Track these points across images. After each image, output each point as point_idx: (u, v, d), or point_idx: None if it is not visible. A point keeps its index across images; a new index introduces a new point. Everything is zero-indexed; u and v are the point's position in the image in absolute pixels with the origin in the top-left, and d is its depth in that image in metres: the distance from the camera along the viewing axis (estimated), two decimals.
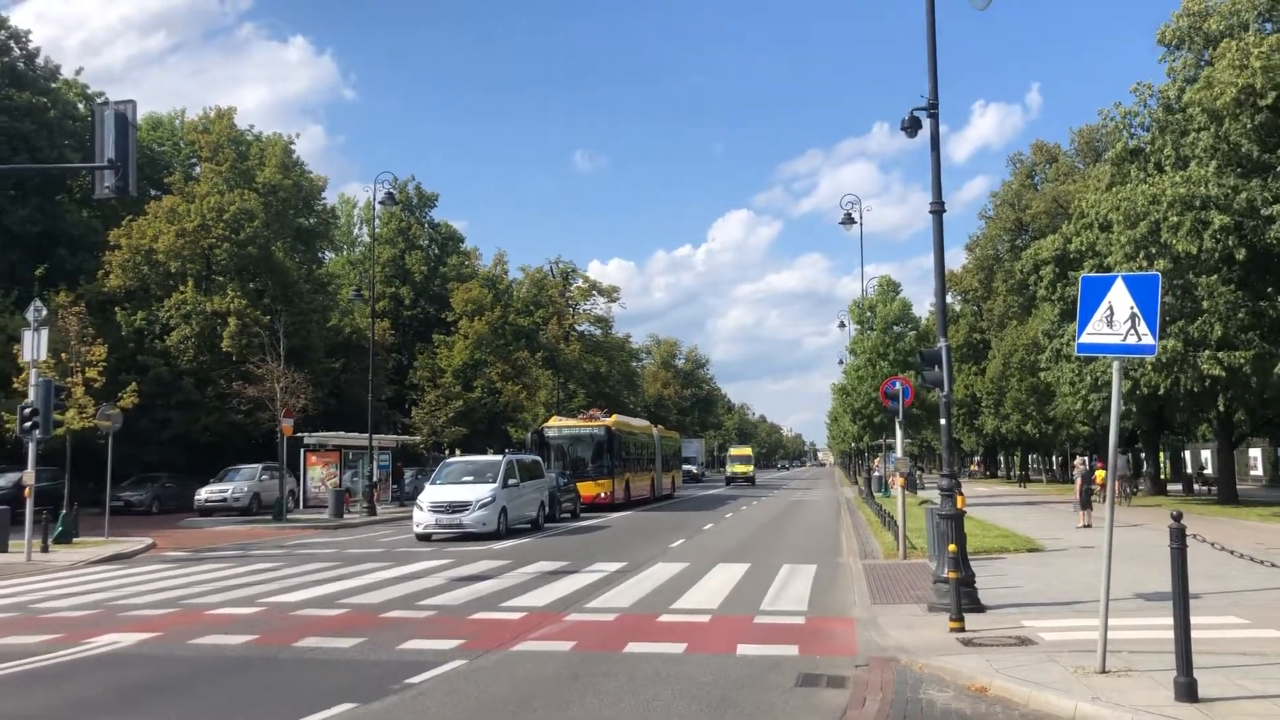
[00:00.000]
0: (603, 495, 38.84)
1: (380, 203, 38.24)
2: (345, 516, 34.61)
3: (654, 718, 8.03)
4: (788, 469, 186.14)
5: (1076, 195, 44.89)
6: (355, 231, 74.35)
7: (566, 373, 76.75)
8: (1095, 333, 9.26)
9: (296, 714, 8.07)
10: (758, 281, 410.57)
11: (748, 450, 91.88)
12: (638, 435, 46.83)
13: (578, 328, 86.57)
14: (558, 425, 42.22)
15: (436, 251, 74.06)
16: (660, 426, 57.77)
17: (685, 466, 75.28)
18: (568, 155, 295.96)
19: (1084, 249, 36.67)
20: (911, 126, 16.27)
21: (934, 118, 14.18)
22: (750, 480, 79.89)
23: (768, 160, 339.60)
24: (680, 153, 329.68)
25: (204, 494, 37.91)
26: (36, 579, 18.41)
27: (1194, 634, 7.97)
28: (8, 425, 27.40)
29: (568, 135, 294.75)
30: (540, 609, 13.70)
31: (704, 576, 17.21)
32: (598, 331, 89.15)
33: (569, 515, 34.11)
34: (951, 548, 11.71)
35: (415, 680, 9.33)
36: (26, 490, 22.20)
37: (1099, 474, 30.80)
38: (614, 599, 14.64)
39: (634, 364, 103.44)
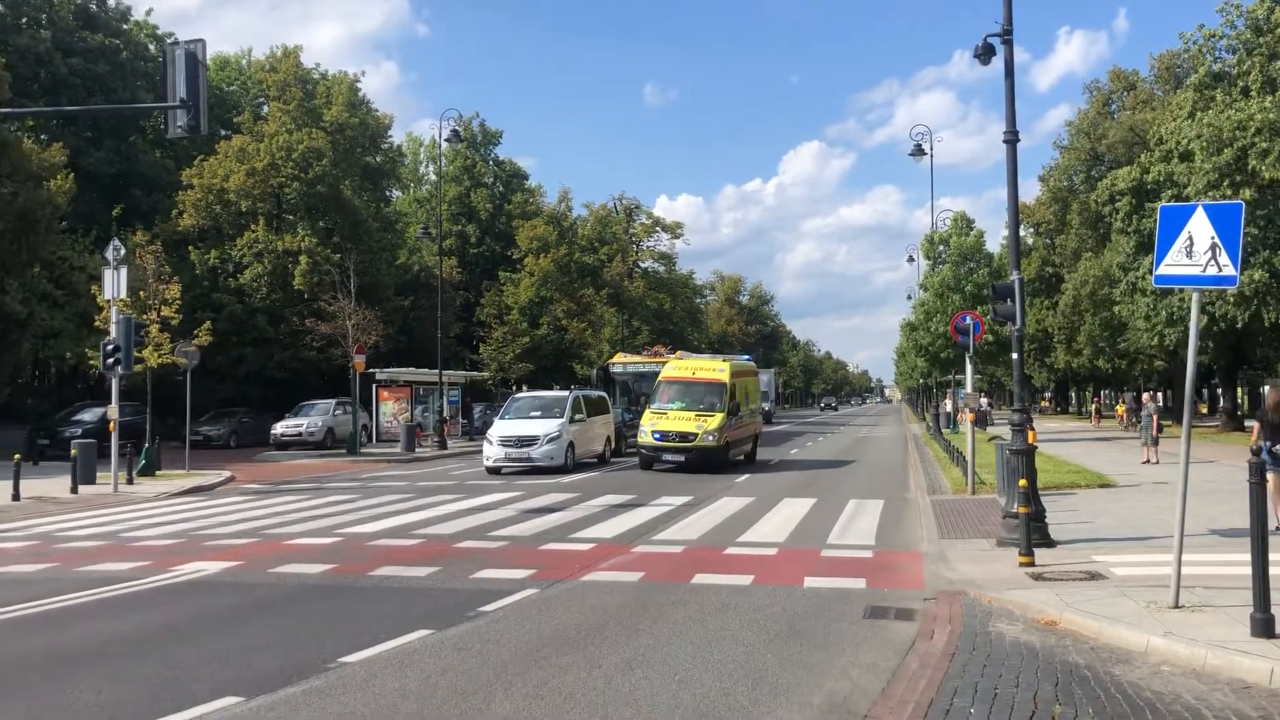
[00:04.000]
0: None
1: (446, 140, 38.34)
2: (417, 450, 35.28)
3: (722, 646, 8.15)
4: (834, 408, 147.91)
5: (1155, 124, 43.47)
6: (422, 170, 74.73)
7: (631, 309, 76.80)
8: (1174, 264, 9.03)
9: (375, 639, 8.32)
10: (828, 215, 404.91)
11: (706, 369, 29.06)
12: None
13: (642, 264, 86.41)
14: (623, 362, 42.34)
15: (501, 189, 74.22)
16: None
17: None
18: (637, 89, 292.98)
19: (1162, 179, 35.60)
20: (985, 53, 15.84)
21: (1008, 44, 13.82)
22: (696, 457, 25.84)
23: (841, 90, 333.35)
24: (753, 84, 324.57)
25: (280, 428, 38.83)
26: (124, 509, 19.09)
27: (1272, 570, 7.85)
28: (92, 362, 28.32)
29: (638, 68, 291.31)
30: (609, 540, 13.91)
31: (770, 510, 17.31)
32: (662, 268, 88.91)
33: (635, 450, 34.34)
34: (1022, 483, 11.63)
35: (489, 608, 9.56)
36: (112, 424, 22.92)
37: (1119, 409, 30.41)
38: (681, 531, 14.81)
39: (698, 301, 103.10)
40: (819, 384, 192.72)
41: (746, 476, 24.75)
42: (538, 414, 27.71)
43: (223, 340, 39.32)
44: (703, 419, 26.15)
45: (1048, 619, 8.84)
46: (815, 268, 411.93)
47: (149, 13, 54.95)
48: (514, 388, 54.52)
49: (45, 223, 33.33)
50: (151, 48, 51.21)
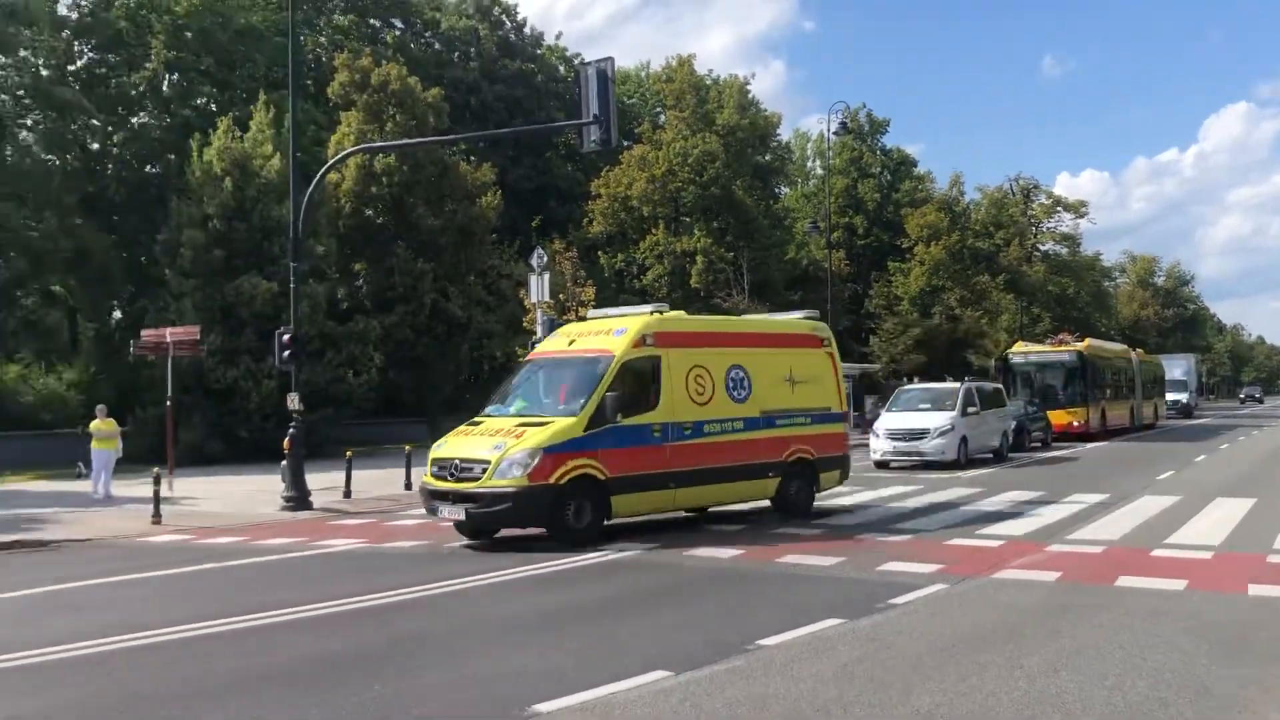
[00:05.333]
0: (1075, 424, 36.78)
1: (834, 133, 38.61)
2: None
3: (1155, 653, 7.63)
4: (1258, 399, 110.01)
5: None
6: (809, 165, 75.39)
7: (1030, 296, 72.93)
8: None
9: (789, 625, 8.58)
10: (1259, 184, 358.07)
11: (595, 333, 15.40)
12: (1113, 360, 43.66)
13: (1041, 248, 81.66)
14: (1024, 351, 40.58)
15: (889, 178, 73.17)
16: (1139, 350, 53.31)
17: (1170, 395, 57.48)
18: (1034, 63, 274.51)
19: None
20: None
21: None
22: (481, 514, 13.25)
23: (1272, 43, 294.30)
24: (1165, 46, 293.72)
25: None
26: None
27: None
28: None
29: (1034, 40, 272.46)
30: (1018, 538, 13.41)
31: (1200, 511, 15.85)
32: (1064, 250, 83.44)
33: (1039, 445, 32.78)
34: None
35: (898, 601, 9.56)
36: None
37: None
38: (1097, 531, 13.96)
39: (1105, 284, 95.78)
40: (1249, 371, 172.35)
41: (1169, 473, 22.69)
42: (927, 406, 27.03)
43: None
44: (522, 432, 13.42)
45: None
46: (1243, 243, 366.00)
47: (559, 36, 59.94)
48: (905, 380, 53.69)
49: (480, 235, 37.38)
50: (561, 69, 55.72)
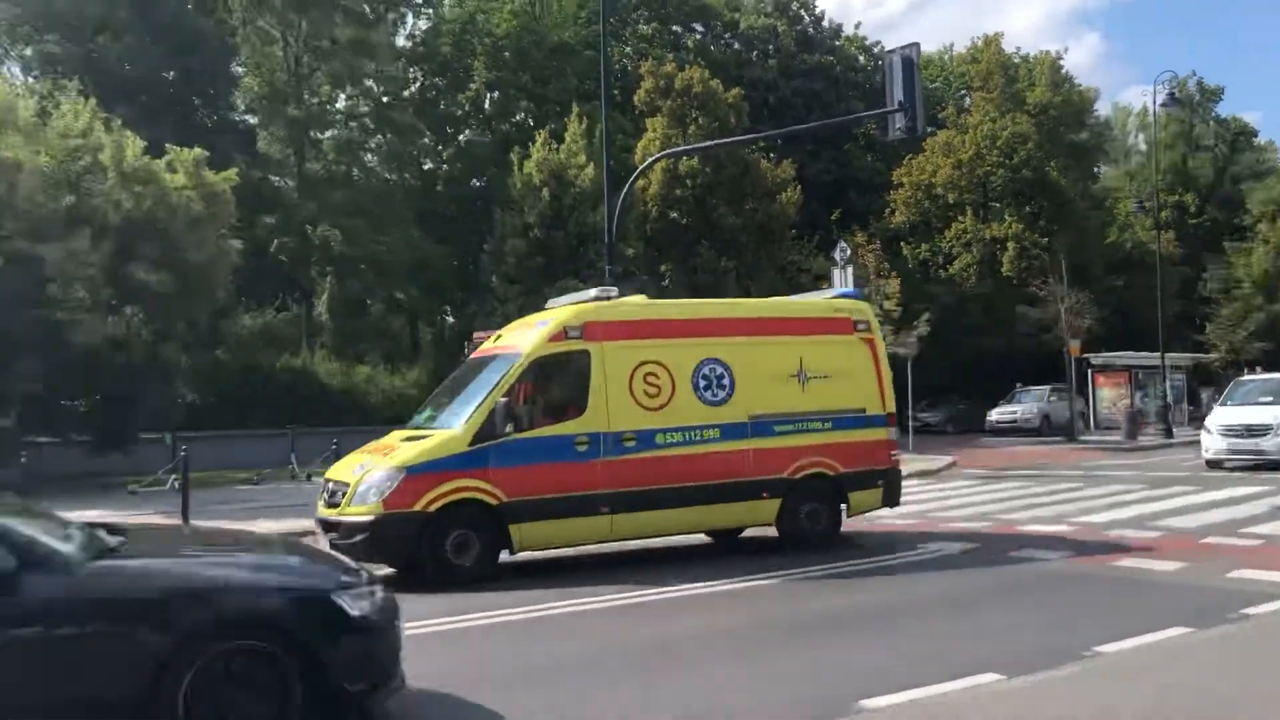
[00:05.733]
0: None
1: (1162, 105, 35.78)
2: (1139, 439, 33.42)
3: None
4: None
5: None
6: (1130, 141, 70.43)
7: None
8: None
9: (1127, 631, 8.15)
10: None
11: (523, 327, 13.26)
12: None
13: None
14: None
15: (1224, 151, 67.02)
16: None
17: None
18: None
19: None
20: None
21: None
22: (345, 542, 10.70)
23: None
24: None
25: (994, 415, 39.30)
26: None
27: None
28: None
29: None
30: None
31: None
32: None
33: None
34: None
35: (1254, 611, 8.83)
36: None
37: None
38: None
39: None
40: None
41: None
42: (1269, 399, 24.18)
43: (936, 329, 40.81)
44: (395, 449, 11.52)
45: None
46: None
47: (857, 26, 59.37)
48: (1246, 370, 49.01)
49: (779, 232, 37.65)
50: (861, 59, 54.94)
